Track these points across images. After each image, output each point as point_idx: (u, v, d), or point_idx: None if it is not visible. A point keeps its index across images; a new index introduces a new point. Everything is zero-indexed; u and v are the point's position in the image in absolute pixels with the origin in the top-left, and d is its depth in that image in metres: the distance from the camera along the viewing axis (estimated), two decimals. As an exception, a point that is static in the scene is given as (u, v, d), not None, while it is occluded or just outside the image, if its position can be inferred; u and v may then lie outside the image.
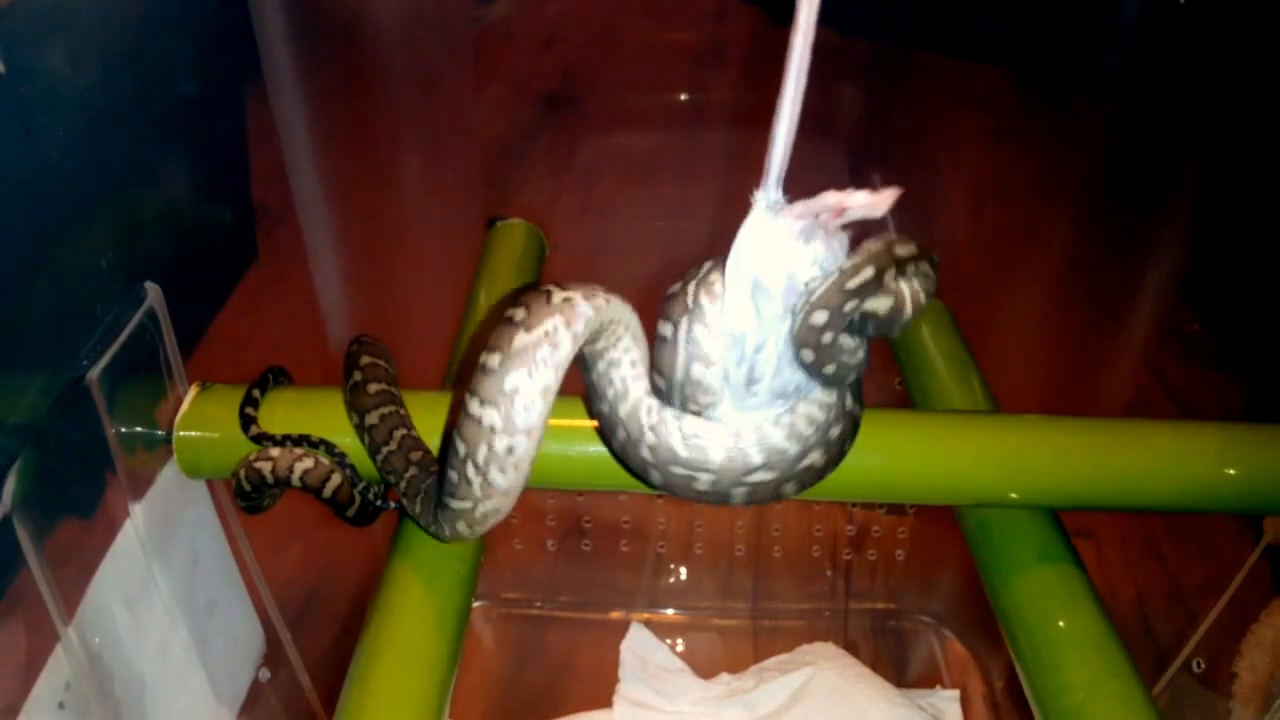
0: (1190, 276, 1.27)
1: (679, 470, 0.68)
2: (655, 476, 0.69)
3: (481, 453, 0.63)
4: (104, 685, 0.76)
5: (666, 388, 0.67)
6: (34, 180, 0.70)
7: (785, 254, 0.62)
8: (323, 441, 0.86)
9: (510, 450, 0.62)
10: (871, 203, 0.58)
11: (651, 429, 0.68)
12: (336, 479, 0.85)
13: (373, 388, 0.84)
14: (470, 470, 0.64)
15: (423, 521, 0.76)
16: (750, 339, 0.64)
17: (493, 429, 0.61)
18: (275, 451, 0.85)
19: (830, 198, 0.59)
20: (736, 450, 0.67)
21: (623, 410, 0.69)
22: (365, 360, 0.87)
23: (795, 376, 0.66)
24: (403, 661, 0.78)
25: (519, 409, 0.61)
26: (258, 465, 0.84)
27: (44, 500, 0.69)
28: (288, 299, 1.23)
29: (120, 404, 0.78)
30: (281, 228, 1.20)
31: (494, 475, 0.63)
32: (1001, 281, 1.37)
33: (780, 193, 0.62)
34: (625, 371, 0.68)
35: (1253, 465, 0.86)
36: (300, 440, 0.85)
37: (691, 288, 0.66)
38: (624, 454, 0.71)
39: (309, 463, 0.84)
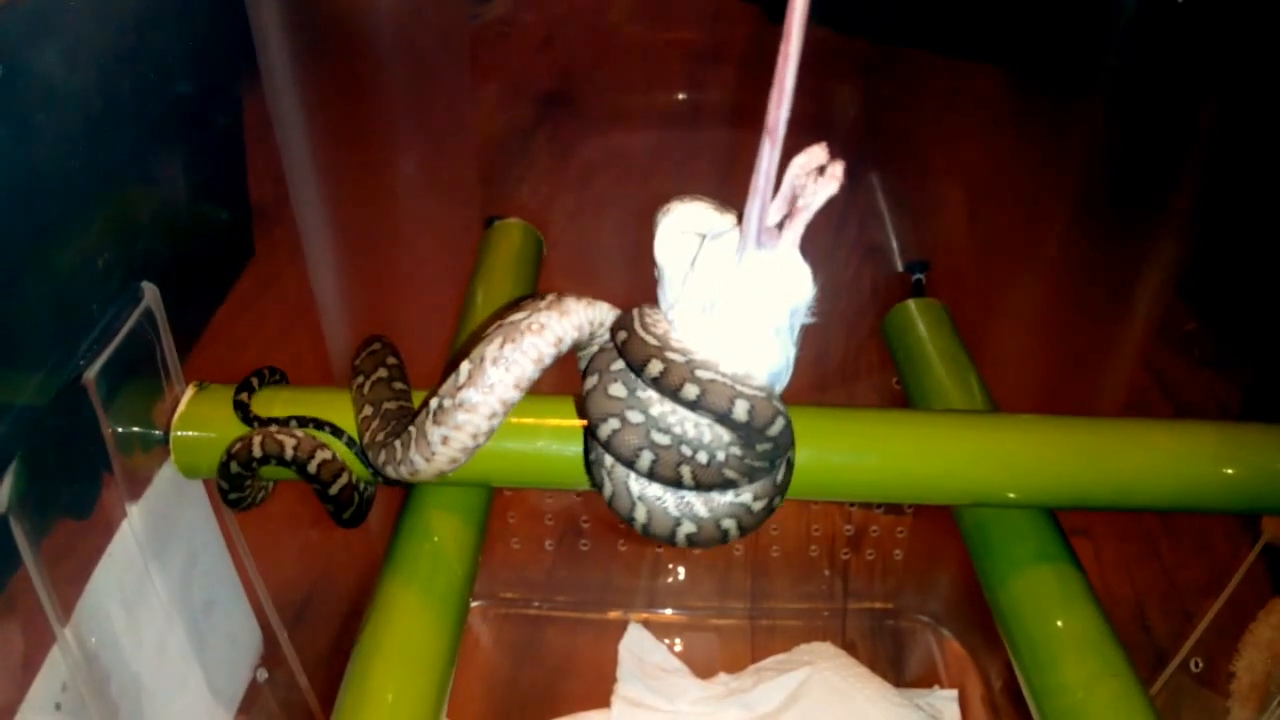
0: (1188, 275, 1.27)
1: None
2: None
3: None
4: (101, 686, 0.76)
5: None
6: (30, 180, 0.69)
7: (803, 276, 0.62)
8: (314, 420, 0.86)
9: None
10: (829, 188, 0.59)
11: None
12: (344, 479, 0.85)
13: (397, 385, 0.85)
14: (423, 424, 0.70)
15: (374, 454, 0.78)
16: (791, 358, 0.65)
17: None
18: (300, 433, 0.84)
19: (804, 213, 0.60)
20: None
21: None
22: (392, 361, 0.88)
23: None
24: (400, 661, 0.78)
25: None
26: (280, 438, 0.83)
27: (41, 500, 0.69)
28: (285, 298, 1.23)
29: (117, 404, 0.78)
30: (278, 227, 1.20)
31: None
32: (999, 281, 1.37)
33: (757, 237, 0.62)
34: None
35: (1250, 465, 0.86)
36: (306, 422, 0.86)
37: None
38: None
39: (327, 454, 0.85)
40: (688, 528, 0.68)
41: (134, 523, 0.81)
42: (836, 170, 0.58)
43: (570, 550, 1.55)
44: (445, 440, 0.69)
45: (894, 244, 1.44)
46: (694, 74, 1.50)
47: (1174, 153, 1.20)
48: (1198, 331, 1.35)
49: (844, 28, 1.34)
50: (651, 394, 0.65)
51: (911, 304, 1.26)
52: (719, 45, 1.49)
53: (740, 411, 0.61)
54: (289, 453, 0.83)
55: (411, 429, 0.72)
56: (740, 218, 0.63)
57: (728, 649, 1.46)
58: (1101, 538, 1.34)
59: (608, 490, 0.69)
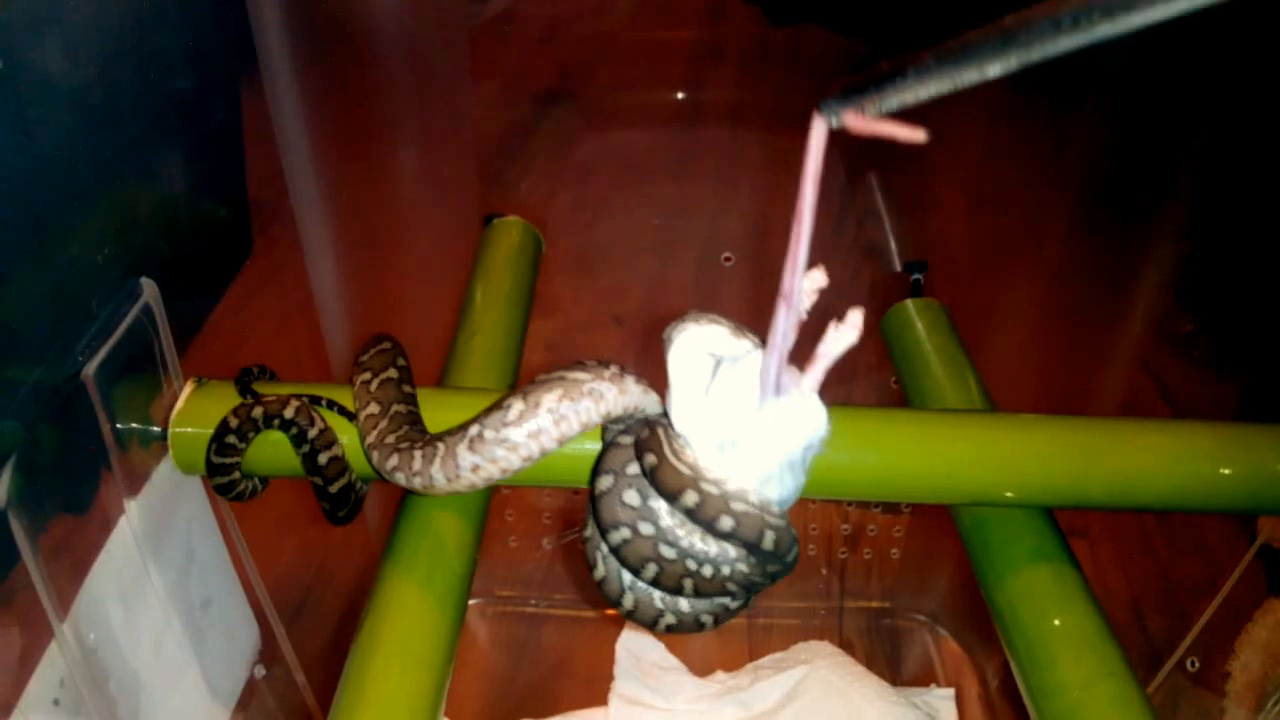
0: (1186, 277, 1.27)
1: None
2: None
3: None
4: (99, 682, 0.76)
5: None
6: (29, 176, 0.69)
7: (820, 418, 0.64)
8: (320, 398, 0.86)
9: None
10: (850, 337, 0.62)
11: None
12: (345, 478, 0.86)
13: (406, 388, 0.85)
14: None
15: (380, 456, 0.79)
16: (801, 485, 0.67)
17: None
18: (328, 421, 0.84)
19: (824, 359, 0.62)
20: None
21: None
22: (401, 363, 0.88)
23: None
24: (398, 659, 0.78)
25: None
26: (314, 414, 0.84)
27: (39, 496, 0.69)
28: (284, 295, 1.22)
29: (116, 400, 0.78)
30: (277, 223, 1.20)
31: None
32: (998, 281, 1.37)
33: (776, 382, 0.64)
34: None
35: (1247, 465, 0.86)
36: (317, 400, 0.86)
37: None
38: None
39: (339, 450, 0.85)
40: (669, 619, 0.72)
41: (132, 519, 0.81)
42: (856, 319, 0.60)
43: (568, 548, 1.55)
44: (475, 469, 0.71)
45: (892, 243, 1.44)
46: (693, 73, 1.50)
47: (1173, 155, 1.20)
48: (1195, 333, 1.35)
49: (841, 28, 1.34)
50: (663, 504, 0.66)
51: (910, 304, 1.26)
52: (718, 44, 1.49)
53: (768, 542, 0.64)
54: (312, 433, 0.83)
55: (439, 445, 0.73)
56: (754, 338, 0.67)
57: (725, 647, 1.46)
58: (1098, 537, 1.34)
59: (600, 573, 0.72)
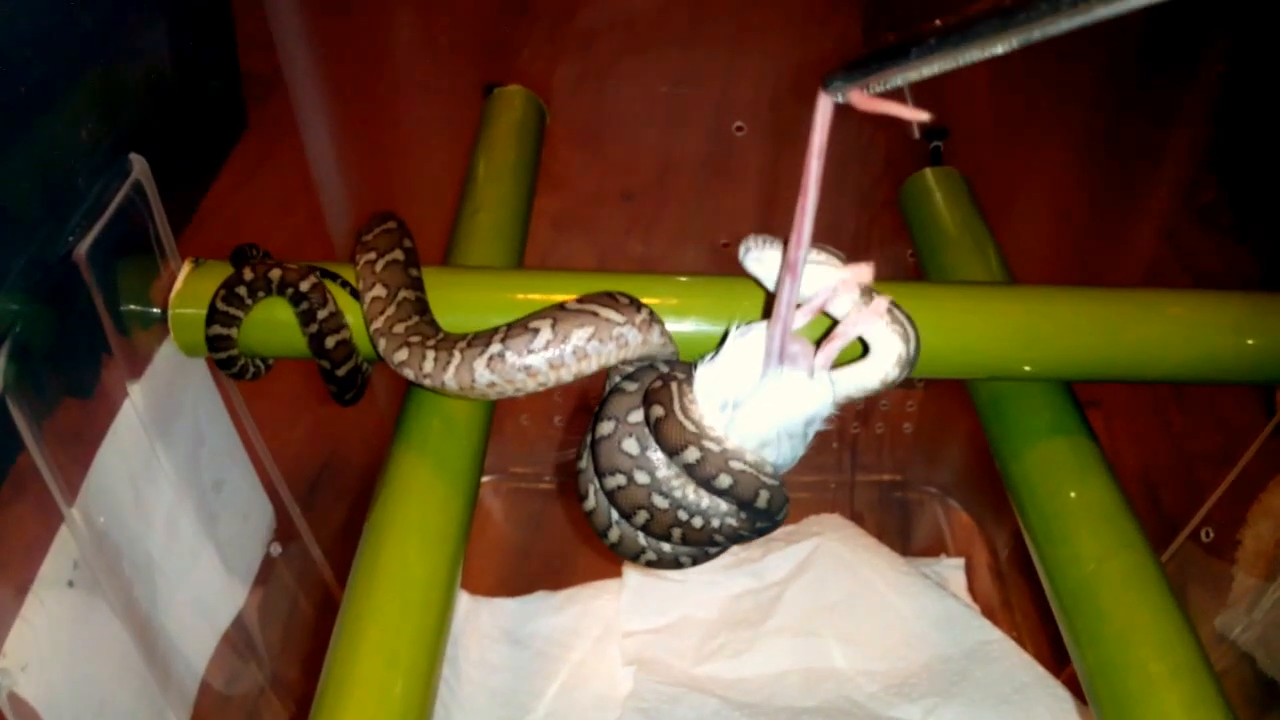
0: (1214, 144, 1.23)
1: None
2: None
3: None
4: (112, 563, 0.77)
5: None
6: (5, 47, 0.66)
7: (826, 396, 0.66)
8: (328, 272, 0.84)
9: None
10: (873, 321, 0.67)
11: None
12: (352, 362, 0.85)
13: (413, 272, 0.83)
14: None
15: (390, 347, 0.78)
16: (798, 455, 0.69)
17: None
18: (339, 304, 0.83)
19: (842, 339, 0.66)
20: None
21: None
22: (408, 244, 0.85)
23: None
24: (414, 534, 0.79)
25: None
26: (328, 295, 0.82)
27: (38, 380, 0.68)
28: (281, 172, 1.19)
29: (112, 282, 0.76)
30: (272, 97, 1.16)
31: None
32: (1020, 149, 1.33)
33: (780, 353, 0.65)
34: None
35: (1273, 335, 0.85)
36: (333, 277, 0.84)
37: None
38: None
39: (347, 334, 0.84)
40: (650, 556, 0.74)
41: (136, 402, 0.80)
42: (880, 306, 0.65)
43: (579, 426, 1.55)
44: (491, 385, 0.72)
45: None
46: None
47: (1203, 21, 1.15)
48: (1219, 202, 1.31)
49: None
50: (660, 455, 0.68)
51: (928, 172, 1.22)
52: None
53: (762, 501, 0.66)
54: (322, 313, 0.82)
55: (455, 354, 0.73)
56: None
57: (737, 521, 1.47)
58: (1112, 408, 1.33)
59: (590, 504, 0.73)
